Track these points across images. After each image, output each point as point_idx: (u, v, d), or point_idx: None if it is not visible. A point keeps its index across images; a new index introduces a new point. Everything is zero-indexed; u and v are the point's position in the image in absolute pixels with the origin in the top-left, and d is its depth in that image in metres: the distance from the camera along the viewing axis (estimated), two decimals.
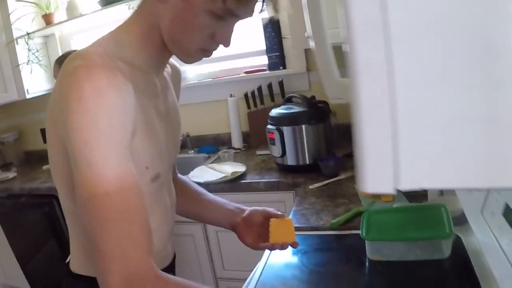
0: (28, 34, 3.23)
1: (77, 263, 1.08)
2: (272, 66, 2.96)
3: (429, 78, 0.43)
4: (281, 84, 2.92)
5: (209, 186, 2.36)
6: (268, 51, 2.95)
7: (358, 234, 1.35)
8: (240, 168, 2.52)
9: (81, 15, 3.09)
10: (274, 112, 2.43)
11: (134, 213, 0.81)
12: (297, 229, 1.60)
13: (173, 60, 1.14)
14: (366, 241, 1.34)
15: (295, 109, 2.38)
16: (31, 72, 3.32)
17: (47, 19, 3.27)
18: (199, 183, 2.29)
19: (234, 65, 3.20)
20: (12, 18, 3.17)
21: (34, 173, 3.44)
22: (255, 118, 2.99)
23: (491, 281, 1.09)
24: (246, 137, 3.10)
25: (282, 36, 2.89)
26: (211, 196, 1.38)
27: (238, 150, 3.04)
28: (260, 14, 0.92)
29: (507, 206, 0.98)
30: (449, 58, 0.42)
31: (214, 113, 3.25)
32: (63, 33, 3.53)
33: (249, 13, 0.90)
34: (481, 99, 0.43)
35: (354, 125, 0.49)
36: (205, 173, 2.55)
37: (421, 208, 1.44)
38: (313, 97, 2.49)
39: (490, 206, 1.09)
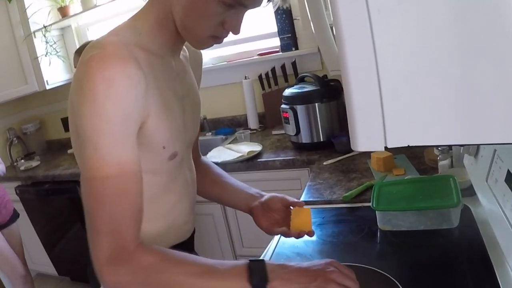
0: (45, 27, 3.31)
1: None
2: (284, 48, 3.00)
3: (407, 44, 0.48)
4: (294, 64, 2.95)
5: (226, 165, 2.42)
6: (280, 32, 2.98)
7: (370, 206, 1.39)
8: (256, 147, 2.57)
9: (95, 6, 3.15)
10: (288, 91, 2.47)
11: (128, 197, 0.88)
12: (311, 203, 1.69)
13: None
14: (376, 212, 1.38)
15: (308, 88, 2.42)
16: (49, 64, 3.40)
17: (63, 12, 3.33)
18: (216, 163, 2.35)
19: (248, 48, 3.24)
20: (29, 12, 3.25)
21: (57, 160, 3.54)
22: (270, 98, 3.04)
23: (498, 250, 1.12)
24: (261, 118, 3.15)
25: (294, 18, 2.92)
26: (232, 179, 1.42)
27: (254, 131, 3.09)
28: (268, 3, 0.96)
29: (509, 173, 1.01)
30: (424, 25, 0.47)
31: (230, 95, 3.29)
32: (79, 24, 3.60)
33: (257, 3, 0.94)
34: (456, 62, 0.47)
35: (345, 90, 0.53)
36: (222, 153, 2.61)
37: (430, 180, 1.48)
38: (325, 76, 2.52)
39: (493, 174, 1.12)
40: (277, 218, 1.30)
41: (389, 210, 1.37)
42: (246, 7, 0.93)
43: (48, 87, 3.40)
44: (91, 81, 0.83)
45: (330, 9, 1.33)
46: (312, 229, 1.25)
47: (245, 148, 2.59)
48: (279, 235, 1.45)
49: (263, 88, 3.09)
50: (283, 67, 2.97)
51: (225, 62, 3.23)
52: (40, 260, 3.66)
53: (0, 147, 3.80)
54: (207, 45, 0.99)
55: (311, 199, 1.74)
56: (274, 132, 2.93)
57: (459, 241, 1.27)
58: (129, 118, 0.88)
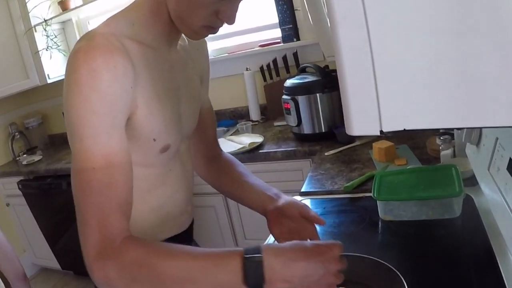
0: (45, 21, 3.30)
1: None
2: (285, 38, 2.98)
3: (402, 24, 0.46)
4: (295, 55, 2.93)
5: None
6: (281, 23, 2.96)
7: (371, 196, 1.37)
8: (258, 138, 2.56)
9: None
10: (289, 82, 2.46)
11: (115, 189, 0.87)
12: (312, 193, 1.69)
13: None
14: (378, 202, 1.37)
15: (309, 78, 2.40)
16: (50, 58, 3.40)
17: (63, 5, 3.32)
18: None
19: (249, 39, 3.22)
20: (29, 6, 3.24)
21: (59, 155, 3.54)
22: (272, 90, 3.03)
23: (500, 239, 1.11)
24: (263, 109, 3.14)
25: (294, 9, 2.90)
26: (253, 179, 1.32)
27: (256, 122, 3.08)
28: None
29: (511, 161, 1.00)
30: (420, 3, 0.45)
31: (231, 87, 3.29)
32: (80, 17, 3.59)
33: None
34: (455, 41, 0.46)
35: (338, 74, 0.52)
36: (224, 145, 2.59)
37: (432, 169, 1.46)
38: (327, 66, 2.51)
39: (495, 163, 1.10)
40: (291, 226, 1.19)
41: (391, 200, 1.36)
42: None
43: (49, 81, 3.39)
44: (76, 73, 0.84)
45: None
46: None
47: (247, 140, 2.58)
48: None
49: (265, 80, 3.07)
50: (284, 58, 2.96)
51: (226, 54, 3.22)
52: (44, 254, 3.67)
53: (2, 142, 3.80)
54: (202, 35, 0.98)
55: (312, 190, 1.73)
56: (276, 124, 2.92)
57: (461, 231, 1.26)
58: (115, 109, 0.87)
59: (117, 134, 0.88)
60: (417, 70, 0.48)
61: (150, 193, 1.08)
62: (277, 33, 3.07)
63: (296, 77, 2.52)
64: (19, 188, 3.37)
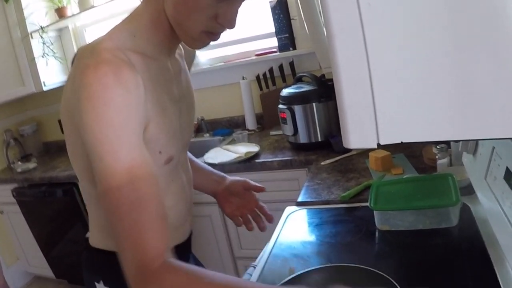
0: (42, 28, 3.29)
1: (95, 238, 1.14)
2: (282, 48, 2.98)
3: (399, 38, 0.46)
4: (291, 64, 2.93)
5: (224, 166, 2.41)
6: (278, 33, 2.96)
7: (368, 206, 1.37)
8: (254, 148, 2.56)
9: (93, 7, 3.13)
10: (285, 92, 2.46)
11: (145, 203, 0.83)
12: (309, 203, 1.68)
13: None
14: (374, 212, 1.37)
15: (306, 88, 2.41)
16: (46, 65, 3.39)
17: (60, 13, 3.32)
18: (213, 164, 2.35)
19: (245, 48, 3.22)
20: (26, 13, 3.23)
21: (54, 162, 3.52)
22: (268, 99, 3.02)
23: (497, 248, 1.10)
24: (259, 119, 3.13)
25: (291, 18, 2.90)
26: (198, 163, 1.44)
27: (252, 132, 3.07)
28: None
29: (507, 170, 1.00)
30: (416, 17, 0.45)
31: (227, 96, 3.28)
32: (77, 25, 3.58)
33: None
34: (451, 55, 0.46)
35: (335, 87, 0.52)
36: (220, 154, 2.60)
37: (429, 178, 1.46)
38: (323, 75, 2.51)
39: (492, 172, 1.10)
40: (239, 202, 1.40)
41: (387, 210, 1.35)
42: None
43: (45, 89, 3.38)
44: (88, 90, 0.82)
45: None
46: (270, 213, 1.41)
47: (243, 149, 2.57)
48: (276, 236, 1.44)
49: (261, 89, 3.07)
50: (280, 67, 2.96)
51: (223, 63, 3.21)
52: (37, 262, 3.64)
53: None
54: (202, 42, 0.96)
55: (308, 200, 1.72)
56: (272, 133, 2.91)
57: (459, 240, 1.25)
58: (132, 122, 0.85)
59: (138, 146, 0.86)
60: (414, 82, 0.48)
61: None
62: (273, 42, 3.07)
63: (292, 86, 2.52)
64: (13, 196, 3.35)
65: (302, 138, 2.40)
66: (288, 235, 1.48)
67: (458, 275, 1.09)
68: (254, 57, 3.10)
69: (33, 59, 3.30)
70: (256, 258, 1.38)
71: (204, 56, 3.28)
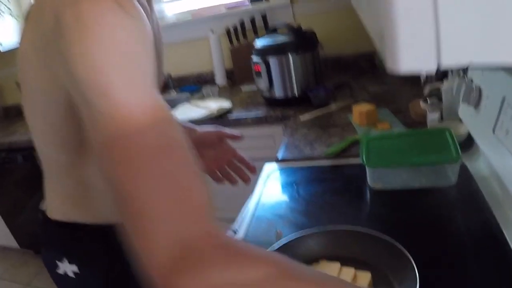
0: None
1: (58, 209, 0.95)
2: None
3: None
4: (264, 18, 2.76)
5: (194, 123, 2.24)
6: None
7: (357, 163, 1.27)
8: (226, 104, 2.40)
9: None
10: (259, 43, 2.28)
11: (182, 153, 0.60)
12: (291, 160, 1.57)
13: None
14: (367, 169, 1.25)
15: (281, 38, 2.23)
16: (3, 24, 3.13)
17: None
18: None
19: (214, 1, 3.04)
20: None
21: (14, 126, 3.31)
22: (239, 54, 2.85)
23: (504, 207, 1.02)
24: (230, 74, 2.98)
25: None
26: None
27: (222, 88, 2.93)
28: None
29: None
30: None
31: (196, 51, 3.11)
32: None
33: None
34: None
35: None
36: (189, 110, 2.44)
37: (423, 133, 1.35)
38: (300, 27, 2.34)
39: (503, 124, 0.99)
40: (214, 154, 1.24)
41: (383, 166, 1.24)
42: None
43: (2, 49, 3.15)
44: (84, 18, 0.58)
45: None
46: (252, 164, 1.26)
47: (214, 105, 2.41)
48: (258, 197, 1.33)
49: (231, 43, 2.89)
50: (252, 21, 2.78)
51: (190, 17, 3.02)
52: (0, 232, 3.46)
53: None
54: None
55: (290, 157, 1.59)
56: (243, 89, 2.76)
57: (458, 200, 1.15)
58: (147, 51, 0.63)
59: (153, 81, 0.62)
60: None
61: None
62: None
63: (266, 36, 2.34)
64: None
65: (278, 93, 2.24)
66: (270, 194, 1.35)
67: (462, 237, 1.00)
68: (224, 10, 2.92)
69: None
70: (232, 220, 1.25)
71: (171, 10, 3.10)
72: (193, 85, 3.12)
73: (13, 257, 3.63)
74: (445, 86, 1.46)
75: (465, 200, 1.13)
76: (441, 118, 1.52)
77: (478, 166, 1.24)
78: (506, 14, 0.35)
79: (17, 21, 3.25)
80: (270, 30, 2.41)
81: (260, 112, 2.24)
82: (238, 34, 2.86)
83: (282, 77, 2.20)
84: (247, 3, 2.87)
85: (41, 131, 0.85)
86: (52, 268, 0.95)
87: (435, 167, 1.20)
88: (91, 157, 0.82)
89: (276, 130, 2.19)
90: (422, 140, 1.28)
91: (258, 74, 2.25)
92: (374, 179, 1.25)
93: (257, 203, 1.30)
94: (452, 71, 1.45)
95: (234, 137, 1.23)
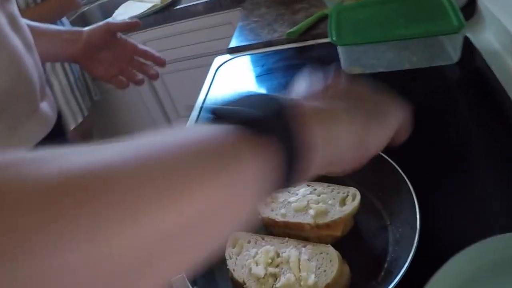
0: None
1: None
2: None
3: None
4: None
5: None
6: None
7: (327, 43, 1.00)
8: None
9: None
10: None
11: None
12: (246, 48, 1.34)
13: None
14: (339, 49, 0.99)
15: None
16: None
17: None
18: None
19: None
20: None
21: None
22: None
23: None
24: None
25: None
26: (40, 27, 1.02)
27: None
28: None
29: None
30: None
31: None
32: None
33: None
34: None
35: None
36: (131, 7, 2.16)
37: None
38: None
39: None
40: (111, 56, 1.02)
41: (357, 44, 0.99)
42: None
43: None
44: None
45: None
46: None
47: None
48: (204, 95, 1.16)
49: None
50: None
51: None
52: None
53: None
54: None
55: (244, 43, 1.33)
56: None
57: (462, 83, 0.94)
58: None
59: None
60: None
61: None
62: None
63: None
64: None
65: None
66: (221, 91, 1.15)
67: (467, 136, 0.79)
68: None
69: None
70: None
71: None
72: None
73: None
74: None
75: (471, 82, 0.91)
76: None
77: (485, 38, 0.99)
78: None
79: None
80: None
81: None
82: None
83: None
84: None
85: None
86: None
87: (429, 41, 0.96)
88: None
89: (233, 15, 1.94)
90: (411, 6, 1.02)
91: None
92: (349, 62, 1.00)
93: (206, 97, 1.14)
94: None
95: (128, 26, 1.02)
